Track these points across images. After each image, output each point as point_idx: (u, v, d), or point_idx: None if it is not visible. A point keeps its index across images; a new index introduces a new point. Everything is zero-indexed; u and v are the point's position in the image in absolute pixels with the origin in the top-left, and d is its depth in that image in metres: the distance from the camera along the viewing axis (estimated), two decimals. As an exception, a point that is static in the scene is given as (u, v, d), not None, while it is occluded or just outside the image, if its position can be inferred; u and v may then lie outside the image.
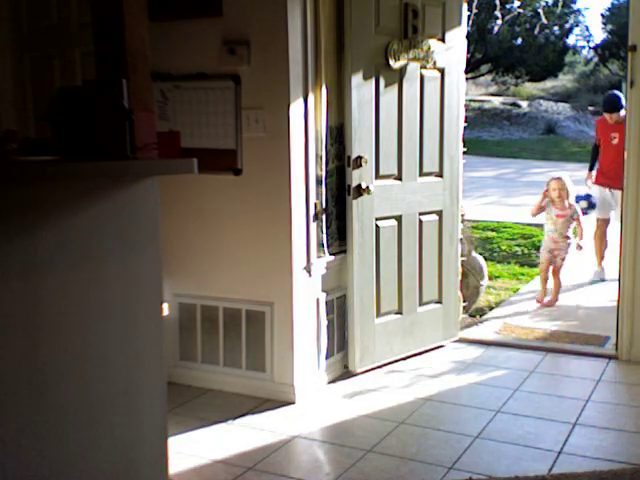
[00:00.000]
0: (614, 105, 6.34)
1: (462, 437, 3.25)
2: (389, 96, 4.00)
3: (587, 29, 37.28)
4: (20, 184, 1.97)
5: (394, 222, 4.12)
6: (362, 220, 3.93)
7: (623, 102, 6.10)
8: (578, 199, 6.03)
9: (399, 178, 4.10)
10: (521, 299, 5.86)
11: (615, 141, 6.24)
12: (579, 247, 5.75)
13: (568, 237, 5.72)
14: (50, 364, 2.09)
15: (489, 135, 22.55)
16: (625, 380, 4.03)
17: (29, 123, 3.95)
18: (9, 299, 1.97)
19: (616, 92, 6.58)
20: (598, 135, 6.63)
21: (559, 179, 5.79)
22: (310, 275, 3.72)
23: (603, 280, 6.30)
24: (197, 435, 3.28)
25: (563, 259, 5.70)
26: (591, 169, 6.68)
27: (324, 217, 3.78)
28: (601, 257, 6.40)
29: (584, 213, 6.04)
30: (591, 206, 6.28)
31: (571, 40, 27.99)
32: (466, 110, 4.60)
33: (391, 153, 4.05)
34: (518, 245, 8.01)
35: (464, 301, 4.99)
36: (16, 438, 2.01)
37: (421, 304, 4.31)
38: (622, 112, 6.07)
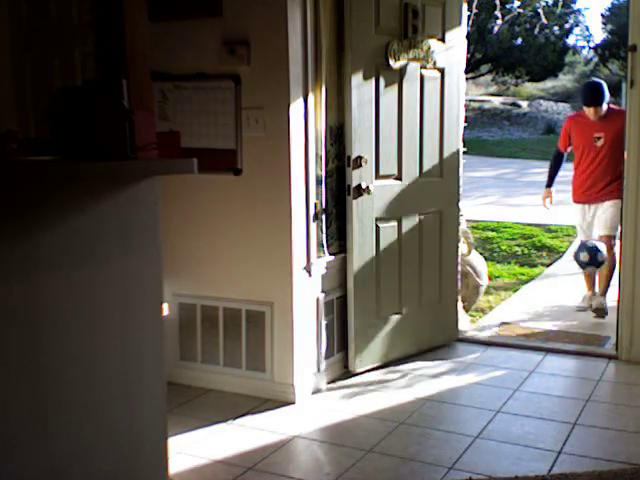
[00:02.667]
0: (597, 96, 5.10)
1: (462, 437, 3.25)
2: (389, 96, 4.00)
3: (587, 29, 37.28)
4: (20, 184, 1.97)
5: (394, 222, 4.11)
6: (362, 220, 3.93)
7: (606, 92, 5.13)
8: (581, 249, 5.16)
9: (399, 178, 4.10)
10: (521, 299, 5.86)
11: (600, 142, 5.13)
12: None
13: None
14: (50, 364, 2.09)
15: (489, 135, 22.56)
16: (625, 380, 4.03)
17: (29, 123, 3.95)
18: (9, 299, 1.97)
19: (597, 80, 5.42)
20: (570, 138, 5.32)
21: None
22: (310, 275, 3.72)
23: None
24: (197, 435, 3.28)
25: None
26: (550, 184, 5.51)
27: (324, 217, 3.78)
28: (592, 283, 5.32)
29: (583, 266, 5.18)
30: (594, 262, 5.10)
31: (571, 40, 28.03)
32: (466, 110, 4.60)
33: (391, 153, 4.05)
34: (518, 245, 8.01)
35: (464, 301, 4.99)
36: (16, 438, 2.01)
37: (421, 304, 4.31)
38: (605, 105, 5.13)
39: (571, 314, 5.29)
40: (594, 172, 5.19)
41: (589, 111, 5.13)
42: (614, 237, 5.04)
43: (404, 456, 3.08)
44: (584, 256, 5.15)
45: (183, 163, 2.37)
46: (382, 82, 3.95)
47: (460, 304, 4.72)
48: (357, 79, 3.81)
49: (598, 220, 5.20)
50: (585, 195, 5.28)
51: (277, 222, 3.59)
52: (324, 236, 3.79)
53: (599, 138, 5.15)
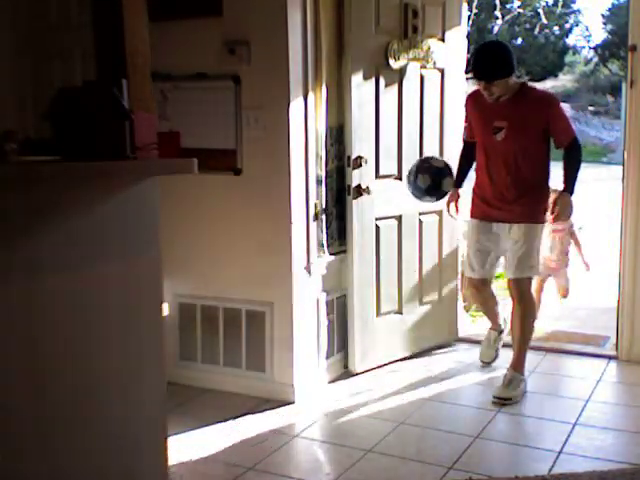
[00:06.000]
0: (490, 66, 3.49)
1: (462, 437, 3.25)
2: (389, 96, 4.00)
3: (587, 29, 37.24)
4: (20, 185, 1.97)
5: (394, 222, 4.12)
6: (362, 220, 3.93)
7: (511, 61, 3.51)
8: (421, 170, 3.73)
9: (399, 178, 4.10)
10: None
11: (500, 136, 3.60)
12: (587, 266, 4.89)
13: (567, 253, 4.87)
14: (50, 364, 2.09)
15: (489, 135, 22.50)
16: (625, 380, 4.03)
17: (29, 123, 3.95)
18: (9, 299, 1.97)
19: (496, 42, 4.01)
20: (469, 123, 3.87)
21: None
22: (310, 275, 3.72)
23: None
24: (197, 435, 3.28)
25: (567, 280, 4.92)
26: (459, 184, 3.93)
27: (324, 217, 3.78)
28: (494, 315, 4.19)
29: (417, 195, 3.77)
30: (435, 187, 3.72)
31: (571, 40, 27.92)
32: (466, 110, 4.59)
33: (391, 153, 4.05)
34: (518, 245, 7.99)
35: (464, 301, 4.99)
36: (16, 438, 2.01)
37: (421, 304, 4.31)
38: (513, 79, 3.55)
39: (571, 314, 5.29)
40: (498, 183, 3.67)
41: (480, 88, 3.61)
42: (530, 279, 3.80)
43: (404, 456, 3.08)
44: (424, 179, 3.71)
45: (183, 163, 2.37)
46: (382, 82, 3.95)
47: (460, 304, 4.72)
48: (357, 79, 3.81)
49: (504, 252, 3.80)
50: (485, 206, 3.76)
51: (277, 222, 3.59)
52: (324, 236, 3.79)
53: (500, 129, 3.61)
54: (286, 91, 3.49)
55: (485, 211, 3.76)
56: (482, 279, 3.90)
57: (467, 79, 4.02)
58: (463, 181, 3.97)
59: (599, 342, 4.59)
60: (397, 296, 4.17)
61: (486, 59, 3.55)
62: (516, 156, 3.62)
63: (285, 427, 3.37)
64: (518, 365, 3.78)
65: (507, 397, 3.61)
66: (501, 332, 4.21)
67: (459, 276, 4.61)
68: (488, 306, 4.14)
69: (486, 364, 4.16)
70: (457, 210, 3.97)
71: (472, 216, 3.85)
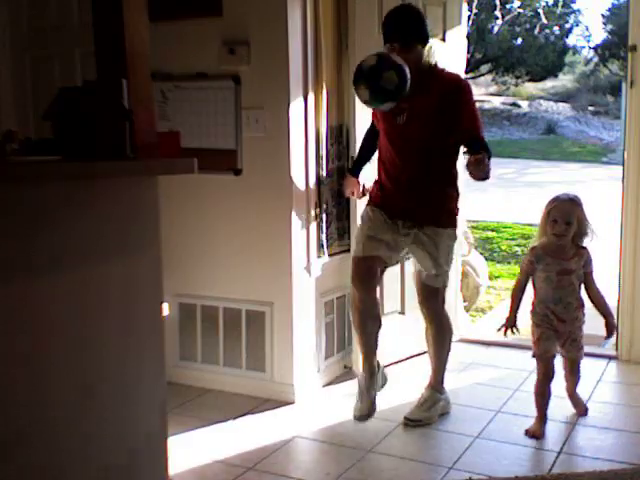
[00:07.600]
0: (412, 29, 3.18)
1: (462, 437, 3.25)
2: (389, 96, 3.99)
3: (587, 29, 37.28)
4: (20, 184, 1.97)
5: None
6: (362, 220, 3.92)
7: (424, 26, 3.21)
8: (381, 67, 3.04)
9: (399, 178, 4.09)
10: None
11: (401, 119, 3.18)
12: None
13: (582, 304, 3.25)
14: (50, 364, 2.09)
15: (489, 135, 22.49)
16: (625, 380, 4.03)
17: (29, 123, 3.95)
18: (9, 299, 1.97)
19: (413, 7, 3.42)
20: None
21: (572, 201, 3.20)
22: (310, 275, 3.72)
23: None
24: (197, 435, 3.28)
25: (581, 347, 3.32)
26: (356, 172, 3.61)
27: (324, 217, 3.78)
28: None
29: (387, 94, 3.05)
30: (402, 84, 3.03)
31: (571, 40, 27.96)
32: (466, 110, 4.58)
33: (391, 153, 4.04)
34: (518, 245, 8.02)
35: (464, 301, 4.99)
36: (15, 438, 2.01)
37: (421, 304, 4.30)
38: (424, 54, 3.26)
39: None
40: (397, 176, 3.26)
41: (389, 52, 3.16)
42: (440, 293, 3.38)
43: (404, 456, 3.08)
44: (390, 76, 3.01)
45: (183, 163, 2.37)
46: (382, 82, 3.94)
47: (460, 304, 4.72)
48: (357, 79, 3.80)
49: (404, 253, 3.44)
50: (390, 196, 3.30)
51: (277, 222, 3.59)
52: (324, 236, 3.79)
53: (402, 111, 3.15)
54: (286, 91, 3.49)
55: (389, 202, 3.28)
56: (374, 258, 3.22)
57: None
58: (361, 169, 3.61)
59: (599, 342, 4.59)
60: (398, 296, 4.17)
61: (404, 21, 3.16)
62: (419, 145, 3.19)
63: (285, 427, 3.37)
64: (436, 383, 3.48)
65: (417, 419, 3.38)
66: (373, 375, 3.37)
67: (460, 277, 4.61)
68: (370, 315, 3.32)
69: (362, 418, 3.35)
70: (359, 196, 3.62)
71: (374, 203, 3.36)
